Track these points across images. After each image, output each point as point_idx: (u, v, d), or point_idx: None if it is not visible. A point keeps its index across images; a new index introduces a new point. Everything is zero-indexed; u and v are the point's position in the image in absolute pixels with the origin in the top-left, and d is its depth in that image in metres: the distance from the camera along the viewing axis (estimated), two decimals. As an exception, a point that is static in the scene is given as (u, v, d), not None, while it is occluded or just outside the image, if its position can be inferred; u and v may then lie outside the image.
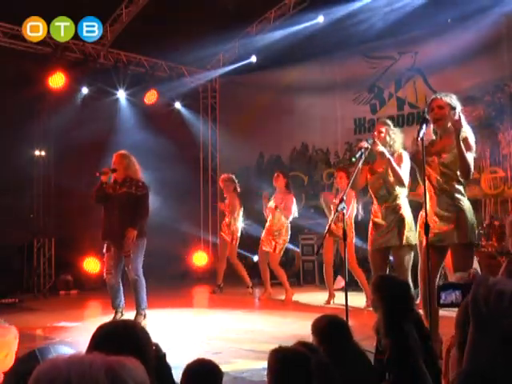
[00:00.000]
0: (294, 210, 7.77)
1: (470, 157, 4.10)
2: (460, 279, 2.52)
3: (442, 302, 2.10)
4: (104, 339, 1.69)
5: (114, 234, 5.90)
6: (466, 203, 4.19)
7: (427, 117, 4.15)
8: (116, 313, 6.08)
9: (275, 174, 7.92)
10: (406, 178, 4.82)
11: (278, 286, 8.16)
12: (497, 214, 7.93)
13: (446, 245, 4.18)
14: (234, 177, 8.60)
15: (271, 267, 7.84)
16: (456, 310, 1.69)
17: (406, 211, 4.90)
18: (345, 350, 2.58)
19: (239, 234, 8.43)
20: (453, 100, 4.18)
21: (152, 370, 1.56)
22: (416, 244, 4.66)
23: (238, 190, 8.48)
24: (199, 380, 2.27)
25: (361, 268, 7.21)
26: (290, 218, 7.77)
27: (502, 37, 8.10)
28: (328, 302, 7.23)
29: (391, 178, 4.89)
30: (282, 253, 7.86)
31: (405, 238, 4.77)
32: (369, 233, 5.02)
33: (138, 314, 5.95)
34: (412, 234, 4.78)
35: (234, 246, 8.42)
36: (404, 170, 4.82)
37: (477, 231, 7.01)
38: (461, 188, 4.21)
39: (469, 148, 4.11)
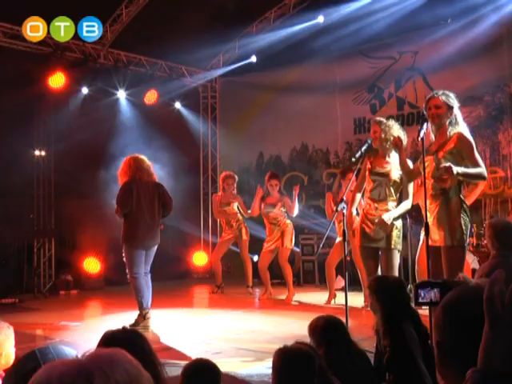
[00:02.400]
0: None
1: (479, 159, 4.13)
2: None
3: (420, 300, 2.10)
4: (107, 347, 1.72)
5: None
6: (461, 204, 4.19)
7: (425, 114, 4.18)
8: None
9: (274, 182, 7.78)
10: (411, 192, 4.87)
11: (278, 286, 8.16)
12: (497, 214, 7.93)
13: (439, 246, 4.18)
14: (234, 174, 8.60)
15: (280, 263, 7.77)
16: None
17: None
18: (342, 351, 2.58)
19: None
20: (450, 99, 4.19)
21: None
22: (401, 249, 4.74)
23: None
24: (198, 380, 2.28)
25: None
26: (295, 214, 7.77)
27: (502, 37, 8.10)
28: (328, 302, 7.23)
29: (390, 181, 4.90)
30: (291, 247, 7.78)
31: (393, 242, 4.79)
32: (358, 227, 5.03)
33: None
34: (400, 239, 4.82)
35: (247, 241, 8.38)
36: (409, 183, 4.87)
37: (476, 231, 7.06)
38: (457, 188, 4.21)
39: (473, 153, 4.14)
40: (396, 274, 4.82)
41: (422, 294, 2.08)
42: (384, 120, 5.12)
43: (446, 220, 4.08)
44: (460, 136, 4.12)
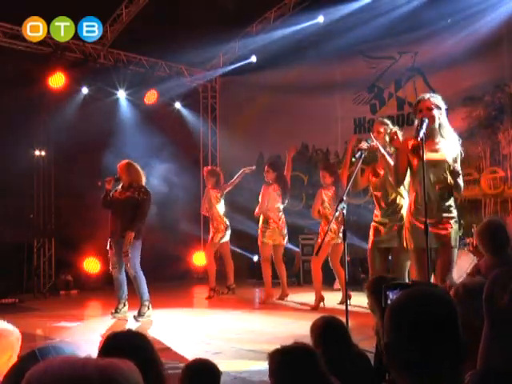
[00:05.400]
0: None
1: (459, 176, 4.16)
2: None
3: (389, 301, 2.07)
4: (110, 348, 1.73)
5: (116, 234, 6.59)
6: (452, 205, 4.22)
7: (414, 116, 4.23)
8: (119, 303, 6.65)
9: (265, 168, 7.80)
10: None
11: (277, 286, 8.14)
12: (497, 214, 7.93)
13: (434, 247, 4.18)
14: (217, 169, 8.50)
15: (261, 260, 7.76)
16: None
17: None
18: (342, 351, 2.58)
19: (228, 232, 8.26)
20: (439, 101, 4.24)
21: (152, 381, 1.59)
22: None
23: (221, 183, 8.28)
24: (198, 380, 2.28)
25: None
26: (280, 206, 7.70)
27: (502, 37, 8.09)
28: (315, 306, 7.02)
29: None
30: (271, 242, 7.65)
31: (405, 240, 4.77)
32: (370, 233, 5.03)
33: (142, 305, 6.48)
34: None
35: (215, 243, 8.25)
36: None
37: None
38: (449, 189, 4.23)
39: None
40: (406, 273, 4.81)
41: (391, 296, 2.04)
42: (389, 122, 5.10)
43: None
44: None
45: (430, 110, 4.19)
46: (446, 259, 4.12)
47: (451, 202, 4.23)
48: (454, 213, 4.23)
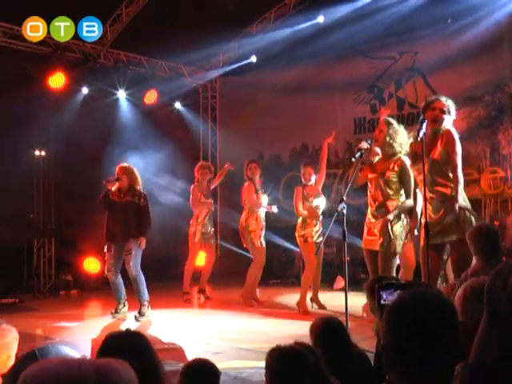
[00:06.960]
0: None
1: (457, 160, 4.17)
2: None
3: (382, 302, 2.04)
4: (109, 348, 1.74)
5: (116, 236, 6.58)
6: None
7: (422, 114, 4.25)
8: (119, 304, 6.68)
9: (252, 165, 7.58)
10: (411, 191, 4.83)
11: (277, 286, 8.14)
12: (497, 214, 7.93)
13: (443, 242, 4.21)
14: (211, 167, 8.37)
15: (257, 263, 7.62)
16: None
17: (396, 218, 4.90)
18: (341, 351, 2.58)
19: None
20: (452, 108, 4.29)
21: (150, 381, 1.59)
22: (400, 251, 4.79)
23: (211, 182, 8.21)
24: (197, 380, 2.28)
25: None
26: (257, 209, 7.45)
27: (502, 37, 8.09)
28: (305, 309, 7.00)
29: (390, 183, 4.91)
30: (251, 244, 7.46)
31: (391, 244, 4.78)
32: (364, 232, 5.06)
33: (142, 305, 6.50)
34: (398, 241, 4.81)
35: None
36: (407, 182, 4.85)
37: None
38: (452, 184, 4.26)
39: (454, 152, 4.18)
40: (393, 275, 4.82)
41: (384, 296, 2.02)
42: (394, 124, 5.07)
43: None
44: (448, 132, 4.20)
45: (443, 112, 4.24)
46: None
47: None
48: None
